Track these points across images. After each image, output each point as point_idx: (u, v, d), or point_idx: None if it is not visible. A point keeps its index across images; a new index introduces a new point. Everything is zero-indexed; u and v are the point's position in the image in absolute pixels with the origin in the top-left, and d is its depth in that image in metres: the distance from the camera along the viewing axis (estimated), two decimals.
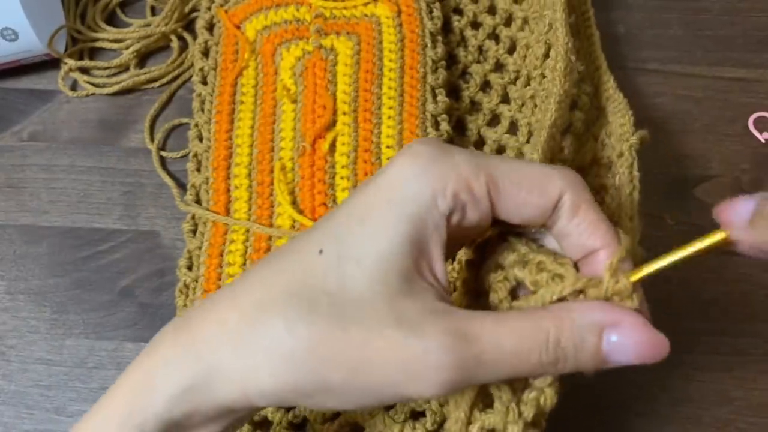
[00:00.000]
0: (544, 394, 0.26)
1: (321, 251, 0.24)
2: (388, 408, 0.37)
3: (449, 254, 0.26)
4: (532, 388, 0.27)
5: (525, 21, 0.49)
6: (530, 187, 0.25)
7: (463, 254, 0.30)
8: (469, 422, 0.27)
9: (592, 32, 0.49)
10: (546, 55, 0.44)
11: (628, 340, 0.24)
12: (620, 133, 0.41)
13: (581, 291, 0.25)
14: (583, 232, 0.26)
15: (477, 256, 0.29)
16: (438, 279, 0.25)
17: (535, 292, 0.26)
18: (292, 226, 0.42)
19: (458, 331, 0.23)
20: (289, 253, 0.25)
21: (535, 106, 0.45)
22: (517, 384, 0.27)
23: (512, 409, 0.26)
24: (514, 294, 0.27)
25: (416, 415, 0.38)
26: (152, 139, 0.49)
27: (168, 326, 0.27)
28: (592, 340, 0.24)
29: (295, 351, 0.23)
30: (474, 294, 0.29)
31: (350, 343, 0.23)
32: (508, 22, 0.51)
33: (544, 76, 0.44)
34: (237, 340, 0.24)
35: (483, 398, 0.27)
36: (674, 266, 0.26)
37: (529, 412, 0.26)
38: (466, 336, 0.23)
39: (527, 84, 0.47)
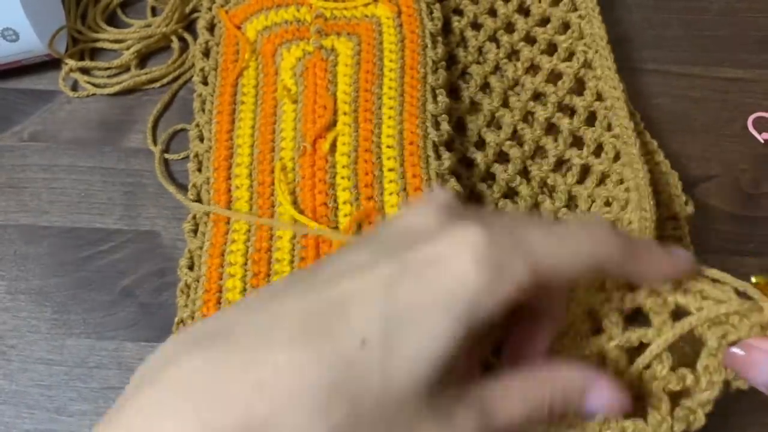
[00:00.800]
0: (695, 414, 0.28)
1: (364, 343, 0.21)
2: None
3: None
4: (683, 406, 0.28)
5: (550, 44, 0.50)
6: (578, 277, 0.25)
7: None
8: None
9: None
10: (573, 89, 0.48)
11: (602, 403, 0.26)
12: (672, 194, 0.44)
13: (743, 315, 0.27)
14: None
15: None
16: (477, 366, 0.25)
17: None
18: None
19: (480, 410, 0.23)
20: (323, 336, 0.22)
21: (555, 130, 0.47)
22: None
23: (666, 421, 0.27)
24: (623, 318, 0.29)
25: None
26: (155, 142, 0.49)
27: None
28: (575, 401, 0.25)
29: None
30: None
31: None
32: (509, 27, 0.51)
33: (571, 108, 0.47)
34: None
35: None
36: None
37: (678, 428, 0.28)
38: (485, 412, 0.23)
39: (537, 100, 0.48)
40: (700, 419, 0.28)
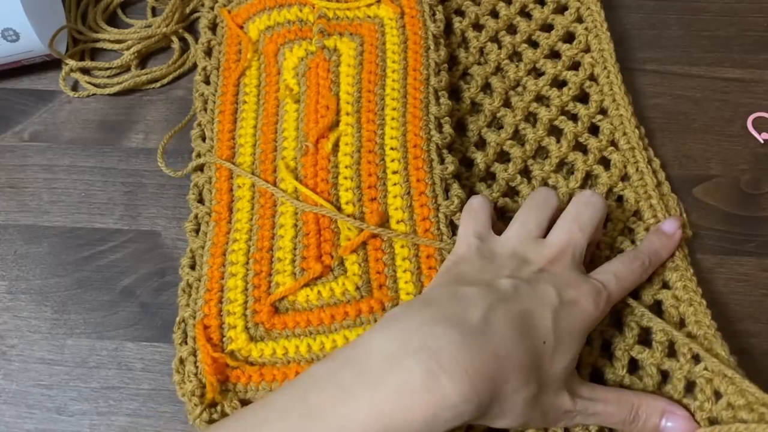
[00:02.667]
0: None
1: (545, 343, 0.34)
2: None
3: None
4: None
5: (552, 50, 0.50)
6: None
7: None
8: None
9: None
10: (577, 97, 0.49)
11: (677, 426, 0.36)
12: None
13: None
14: None
15: None
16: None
17: None
18: (295, 225, 0.42)
19: (580, 395, 0.36)
20: (525, 336, 0.35)
21: (558, 132, 0.47)
22: None
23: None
24: None
25: None
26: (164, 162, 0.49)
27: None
28: (656, 420, 0.36)
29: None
30: None
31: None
32: (510, 29, 0.52)
33: (576, 115, 0.48)
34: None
35: None
36: None
37: None
38: (585, 398, 0.36)
39: (540, 102, 0.49)
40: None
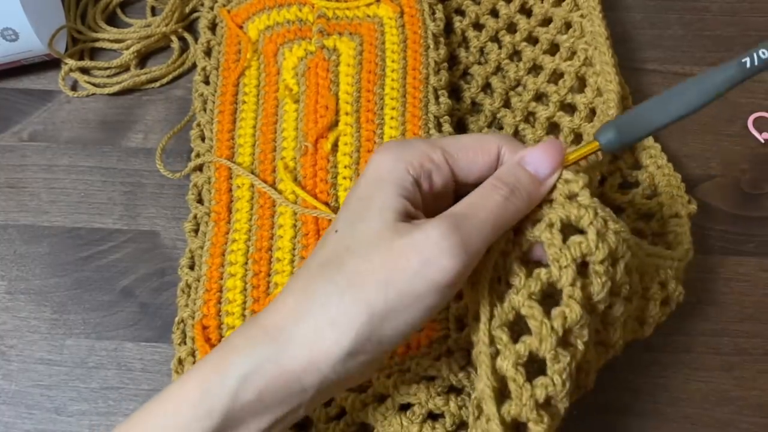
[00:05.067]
0: (569, 308, 0.30)
1: (336, 231, 0.31)
2: (405, 408, 0.37)
3: (433, 211, 0.32)
4: (559, 305, 0.31)
5: (553, 45, 0.50)
6: (474, 149, 0.33)
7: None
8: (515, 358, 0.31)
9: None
10: (574, 87, 0.48)
11: (538, 156, 0.33)
12: (674, 194, 0.44)
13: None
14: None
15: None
16: (420, 216, 0.32)
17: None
18: (294, 225, 0.42)
19: (444, 215, 0.30)
20: (318, 246, 0.32)
21: (557, 130, 0.47)
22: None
23: (545, 323, 0.30)
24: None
25: (435, 417, 0.38)
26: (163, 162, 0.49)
27: (237, 329, 0.32)
28: (520, 169, 0.32)
29: (342, 299, 0.29)
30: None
31: (374, 265, 0.29)
32: (510, 28, 0.51)
33: (573, 107, 0.47)
34: (297, 313, 0.30)
35: (510, 334, 0.31)
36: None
37: (558, 325, 0.30)
38: (450, 213, 0.30)
39: (540, 101, 0.49)
40: (576, 311, 0.31)
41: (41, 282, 0.45)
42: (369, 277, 0.29)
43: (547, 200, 0.33)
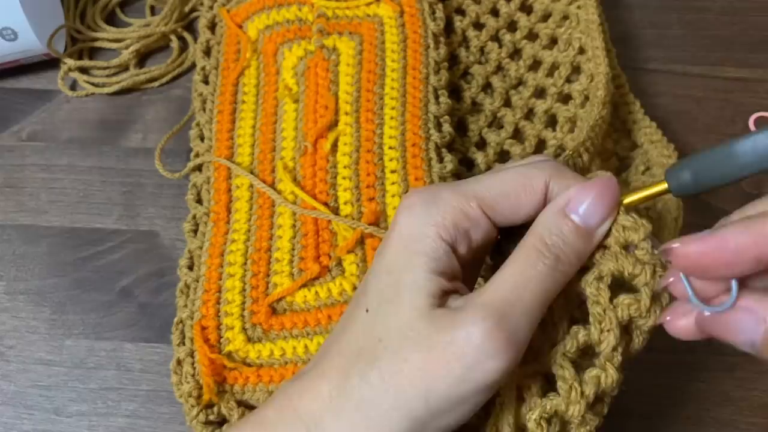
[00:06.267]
0: (605, 372, 0.28)
1: (367, 310, 0.29)
2: None
3: (475, 263, 0.30)
4: (593, 367, 0.28)
5: (552, 39, 0.50)
6: (516, 192, 0.29)
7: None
8: (528, 408, 0.28)
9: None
10: (569, 77, 0.48)
11: (587, 201, 0.28)
12: (665, 164, 0.43)
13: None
14: None
15: None
16: (458, 287, 0.29)
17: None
18: (293, 226, 0.42)
19: (485, 303, 0.27)
20: (348, 320, 0.30)
21: (555, 122, 0.47)
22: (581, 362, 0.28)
23: (575, 388, 0.27)
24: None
25: None
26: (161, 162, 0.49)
27: (268, 402, 0.30)
28: (564, 223, 0.28)
29: (380, 404, 0.27)
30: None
31: (411, 366, 0.27)
32: (511, 26, 0.51)
33: (571, 97, 0.47)
34: (333, 409, 0.28)
35: (543, 384, 0.29)
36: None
37: (590, 391, 0.27)
38: (491, 301, 0.27)
39: (539, 96, 0.48)
40: (612, 375, 0.28)
41: (40, 282, 0.45)
42: (407, 382, 0.27)
43: (601, 245, 0.29)
